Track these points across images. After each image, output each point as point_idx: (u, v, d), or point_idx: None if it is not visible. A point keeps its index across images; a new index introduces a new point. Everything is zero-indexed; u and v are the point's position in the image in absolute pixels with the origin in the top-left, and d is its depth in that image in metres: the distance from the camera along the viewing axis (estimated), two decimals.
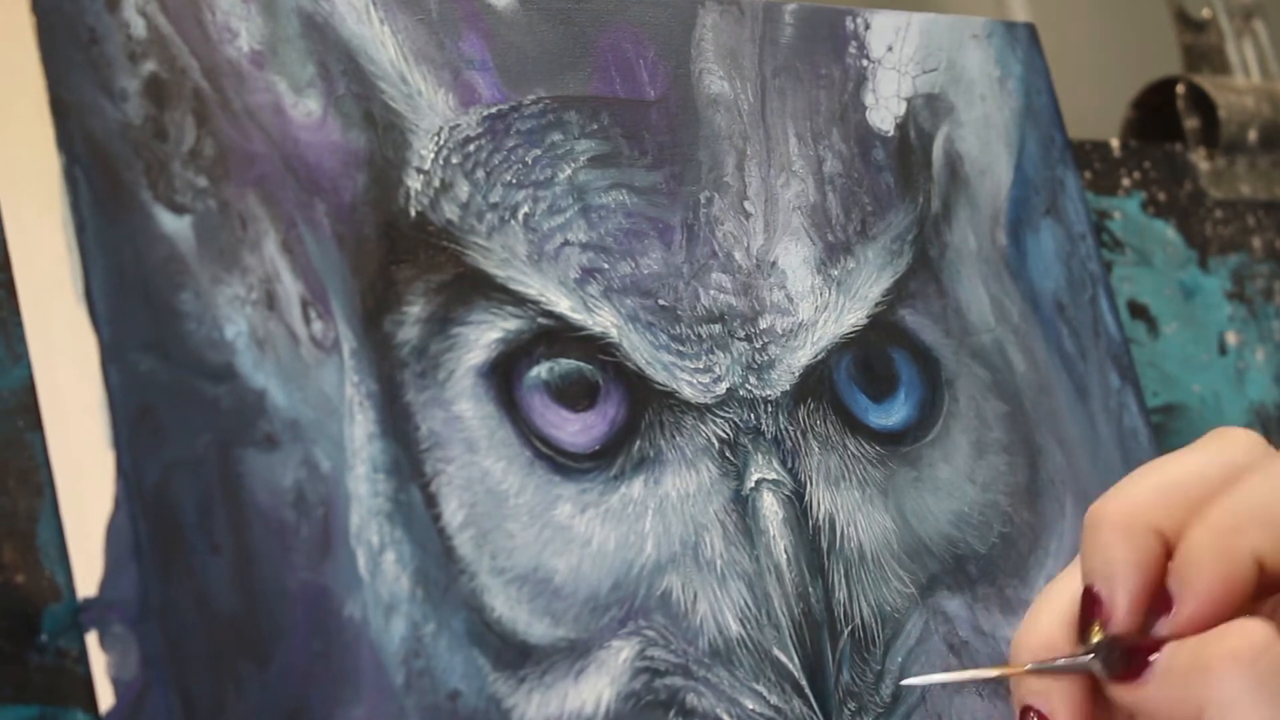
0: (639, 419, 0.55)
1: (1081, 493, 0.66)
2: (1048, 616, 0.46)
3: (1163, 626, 0.43)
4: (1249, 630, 0.42)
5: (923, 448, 0.62)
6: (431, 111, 0.54)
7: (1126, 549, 0.44)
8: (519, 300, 0.54)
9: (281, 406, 0.48)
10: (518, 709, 0.50)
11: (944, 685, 0.58)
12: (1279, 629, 0.42)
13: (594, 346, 0.55)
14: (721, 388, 0.57)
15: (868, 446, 0.61)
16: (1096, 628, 0.44)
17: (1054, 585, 0.47)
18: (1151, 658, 0.43)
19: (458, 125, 0.54)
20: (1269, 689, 0.41)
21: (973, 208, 0.67)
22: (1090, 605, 0.44)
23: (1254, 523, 0.42)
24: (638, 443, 0.55)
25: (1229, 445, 0.45)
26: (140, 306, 0.46)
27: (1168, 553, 0.44)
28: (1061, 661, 0.45)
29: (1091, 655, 0.44)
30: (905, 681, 0.56)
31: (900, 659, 0.58)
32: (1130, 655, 0.43)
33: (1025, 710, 0.46)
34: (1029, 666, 0.45)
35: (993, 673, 0.47)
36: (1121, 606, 0.44)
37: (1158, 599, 0.44)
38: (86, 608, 0.45)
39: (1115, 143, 0.84)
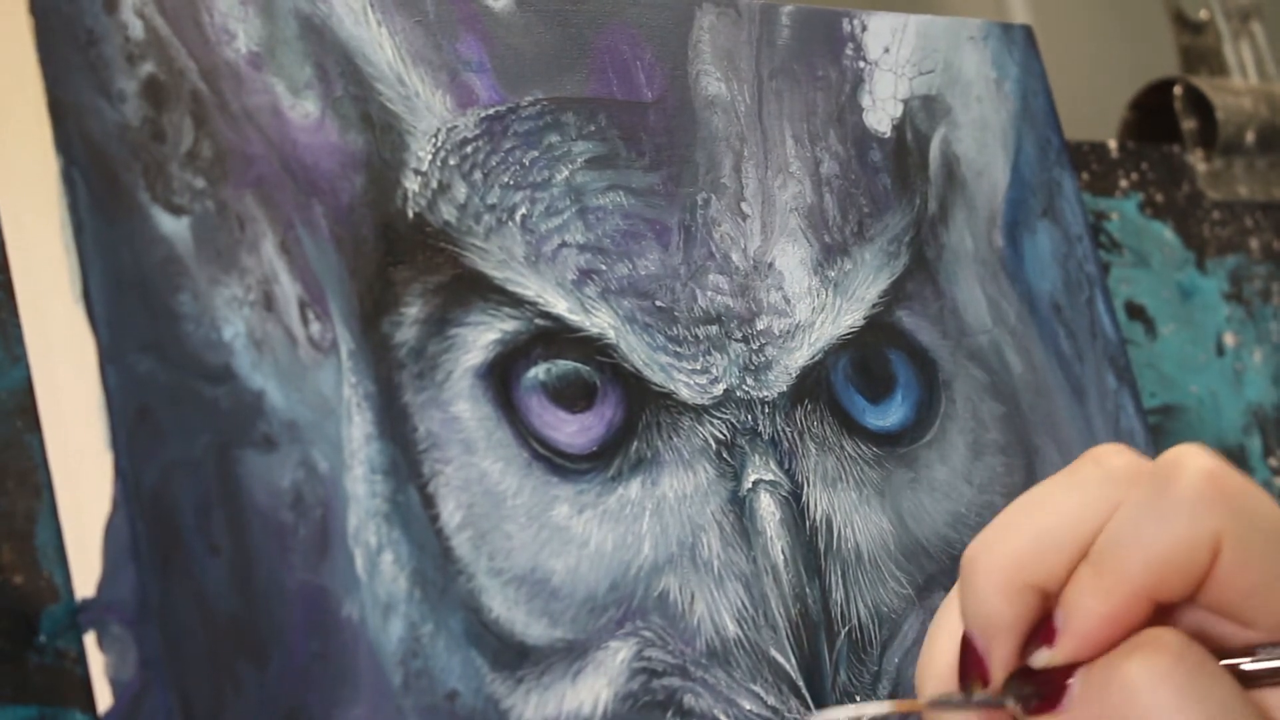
0: (636, 420, 0.55)
1: None
2: (946, 647, 0.46)
3: (1041, 656, 0.43)
4: (1161, 639, 0.41)
5: (920, 449, 0.62)
6: (429, 113, 0.54)
7: (1003, 606, 0.43)
8: (516, 301, 0.54)
9: (279, 408, 0.48)
10: (515, 709, 0.50)
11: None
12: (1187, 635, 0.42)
13: (591, 348, 0.55)
14: (719, 389, 0.57)
15: (865, 447, 0.61)
16: (976, 684, 0.44)
17: (947, 613, 0.47)
18: (1067, 682, 0.43)
19: (455, 127, 0.54)
20: (1191, 693, 0.41)
21: (969, 209, 0.67)
22: (968, 656, 0.44)
23: (1141, 564, 0.42)
24: (635, 444, 0.55)
25: (1101, 476, 0.43)
26: (138, 308, 0.47)
27: (1045, 599, 0.43)
28: (976, 697, 0.44)
29: (1004, 695, 0.44)
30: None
31: (897, 660, 0.58)
32: (1044, 686, 0.43)
33: None
34: (934, 700, 0.45)
35: (888, 706, 0.47)
36: (1000, 661, 0.43)
37: (1043, 632, 0.43)
38: (85, 608, 0.45)
39: (1113, 144, 0.84)
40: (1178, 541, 0.41)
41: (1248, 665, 0.42)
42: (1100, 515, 0.43)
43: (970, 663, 0.44)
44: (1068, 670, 0.43)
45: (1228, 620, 0.43)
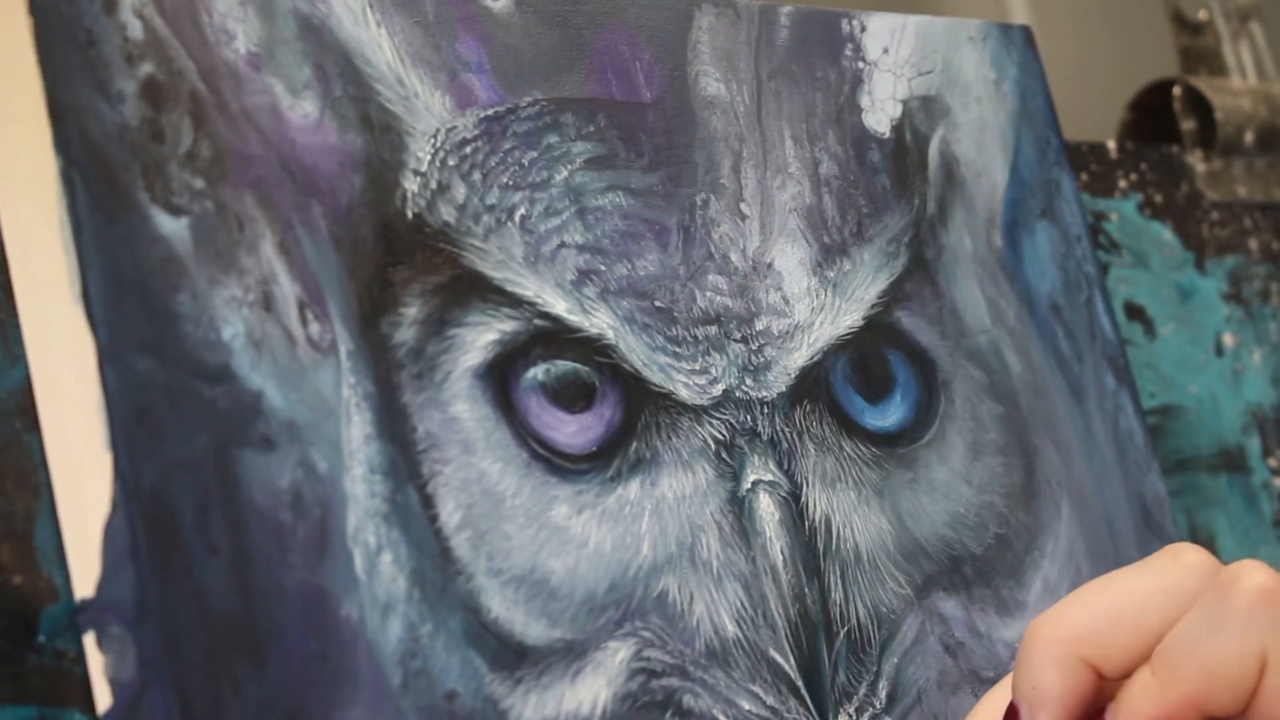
0: (635, 420, 0.55)
1: (1077, 494, 0.66)
2: (989, 716, 0.46)
3: None
4: None
5: (919, 449, 0.62)
6: (428, 113, 0.54)
7: (1055, 677, 0.43)
8: (515, 302, 0.54)
9: (278, 408, 0.48)
10: (514, 709, 0.50)
11: (939, 685, 0.58)
12: None
13: (590, 348, 0.55)
14: (718, 389, 0.57)
15: (864, 448, 0.61)
16: None
17: (996, 690, 0.47)
18: None
19: (454, 127, 0.54)
20: None
21: (968, 210, 0.67)
22: None
23: (1194, 673, 0.42)
24: (634, 444, 0.55)
25: (1175, 569, 0.44)
26: (137, 308, 0.47)
27: (1097, 681, 0.43)
28: None
29: None
30: None
31: (896, 660, 0.58)
32: None
33: None
34: None
35: None
36: None
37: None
38: (84, 609, 0.45)
39: (1112, 144, 0.84)
40: (1225, 655, 0.41)
41: None
42: (1166, 609, 0.43)
43: None
44: None
45: None
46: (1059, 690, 0.43)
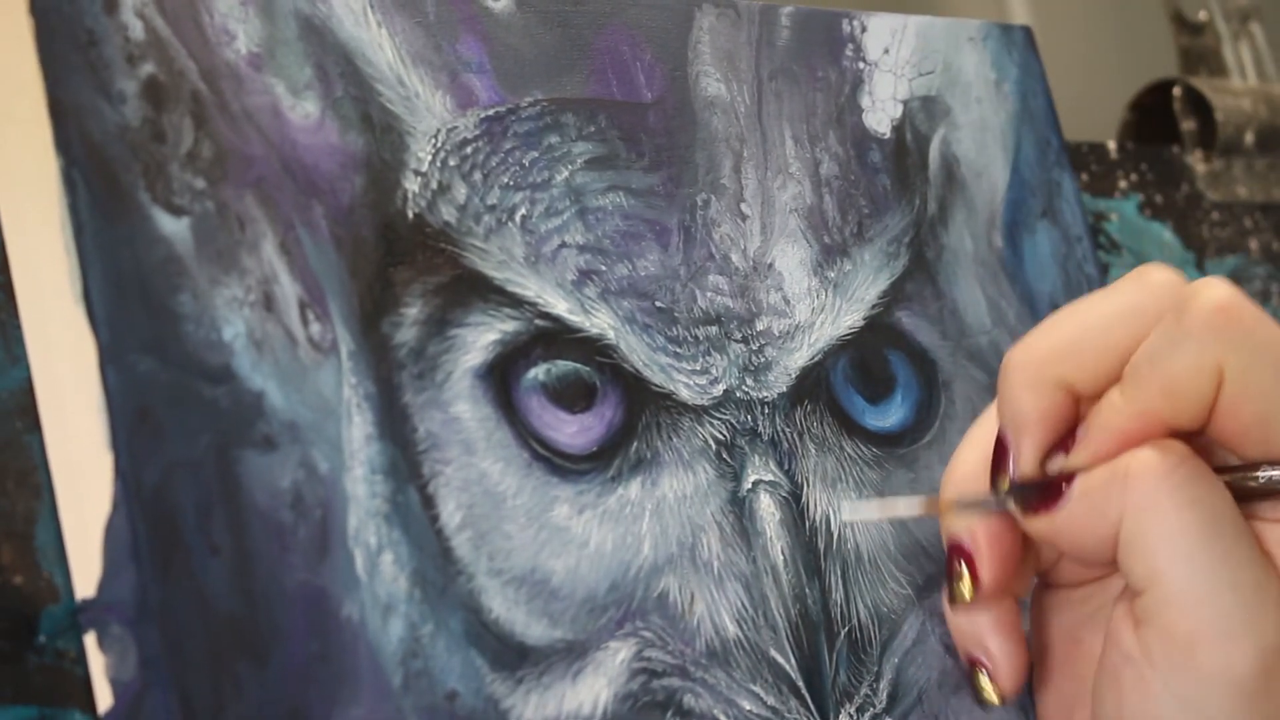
0: (636, 420, 0.55)
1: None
2: (973, 454, 0.47)
3: (1056, 463, 0.44)
4: (1165, 445, 0.43)
5: (919, 449, 0.62)
6: (429, 114, 0.54)
7: (1032, 401, 0.45)
8: (516, 302, 0.54)
9: (279, 408, 0.48)
10: (515, 710, 0.50)
11: (940, 685, 0.58)
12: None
13: (591, 348, 0.55)
14: (718, 389, 0.57)
15: (864, 448, 0.61)
16: (1004, 479, 0.45)
17: (979, 424, 0.48)
18: (1069, 482, 0.44)
19: (455, 127, 0.54)
20: (1184, 495, 0.42)
21: (969, 210, 0.67)
22: (1000, 453, 0.45)
23: (1155, 388, 0.43)
24: (635, 444, 0.55)
25: (1141, 289, 0.45)
26: (138, 308, 0.47)
27: (1075, 402, 0.45)
28: (981, 500, 0.46)
29: (1007, 495, 0.45)
30: (844, 517, 0.57)
31: (897, 660, 0.58)
32: (1044, 489, 0.44)
33: (952, 545, 0.47)
34: (952, 501, 0.47)
35: (917, 506, 0.49)
36: (1026, 456, 0.45)
37: (1064, 443, 0.45)
38: (85, 609, 0.45)
39: (1112, 145, 0.84)
40: (1182, 370, 0.42)
41: (1243, 480, 0.43)
42: (1133, 327, 0.44)
43: (998, 459, 0.45)
44: (1069, 477, 0.43)
45: (1232, 454, 0.43)
46: (1037, 411, 0.45)
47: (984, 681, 0.47)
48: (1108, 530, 0.43)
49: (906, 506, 0.53)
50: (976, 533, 0.46)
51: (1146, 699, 0.42)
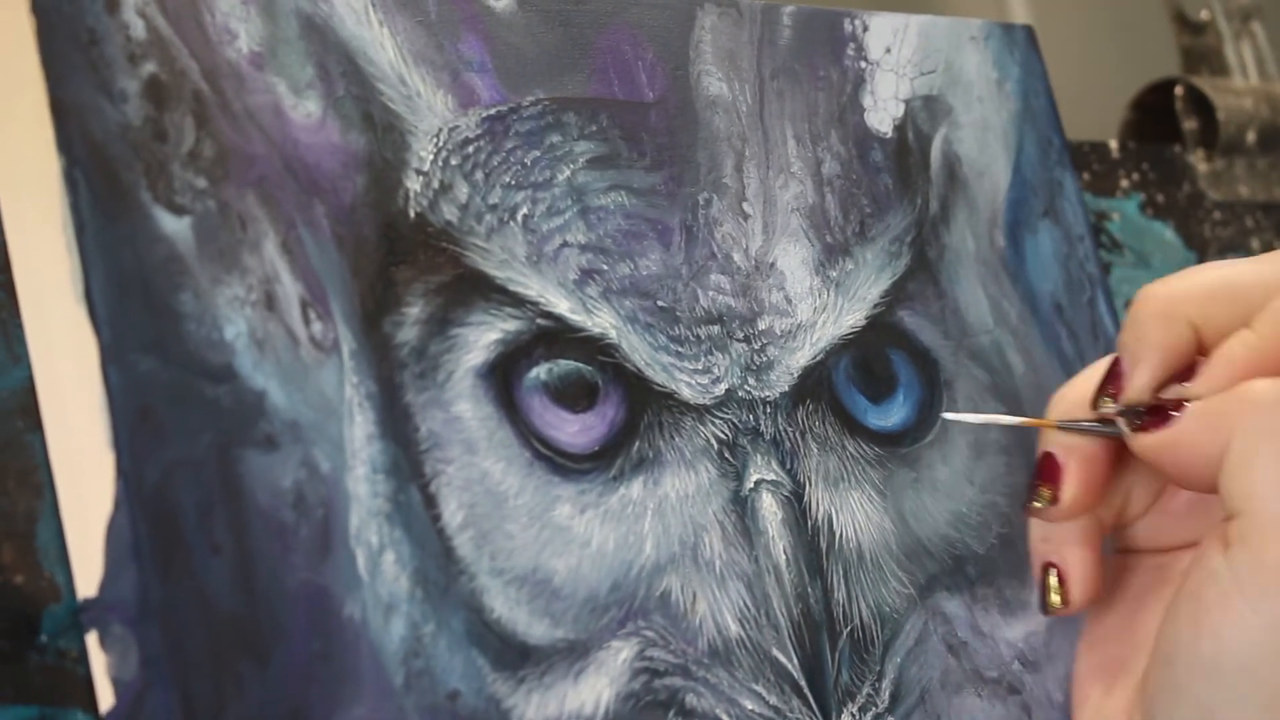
0: (638, 420, 0.55)
1: None
2: (1085, 382, 0.48)
3: (1173, 390, 0.45)
4: None
5: (921, 449, 0.62)
6: (431, 113, 0.54)
7: (1157, 332, 0.46)
8: (518, 301, 0.54)
9: (281, 407, 0.48)
10: (517, 709, 0.50)
11: (942, 685, 0.58)
12: None
13: (593, 347, 0.55)
14: (720, 389, 0.57)
15: (866, 447, 0.61)
16: (1107, 400, 0.46)
17: (1094, 365, 0.49)
18: (1184, 402, 0.44)
19: (457, 127, 0.54)
20: None
21: (971, 209, 0.67)
22: (1111, 375, 0.46)
23: None
24: (637, 444, 0.55)
25: None
26: (140, 307, 0.47)
27: (1195, 345, 0.45)
28: (1085, 422, 0.47)
29: (1117, 416, 0.46)
30: (946, 415, 0.59)
31: (899, 659, 0.58)
32: (1155, 410, 0.45)
33: (1043, 457, 0.48)
34: (1056, 421, 0.47)
35: (1020, 421, 0.50)
36: (1142, 379, 0.46)
37: (1184, 373, 0.45)
38: (86, 608, 0.45)
39: (1114, 144, 0.84)
40: None
41: None
42: (1272, 287, 0.45)
43: (1108, 382, 0.46)
44: (1182, 403, 0.44)
45: None
46: (1160, 343, 0.45)
47: (1053, 582, 0.48)
48: (1215, 450, 0.43)
49: (1007, 420, 0.54)
50: (1071, 450, 0.47)
51: (1227, 618, 0.43)
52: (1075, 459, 0.47)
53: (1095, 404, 0.47)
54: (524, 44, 0.57)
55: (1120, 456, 0.47)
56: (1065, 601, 0.47)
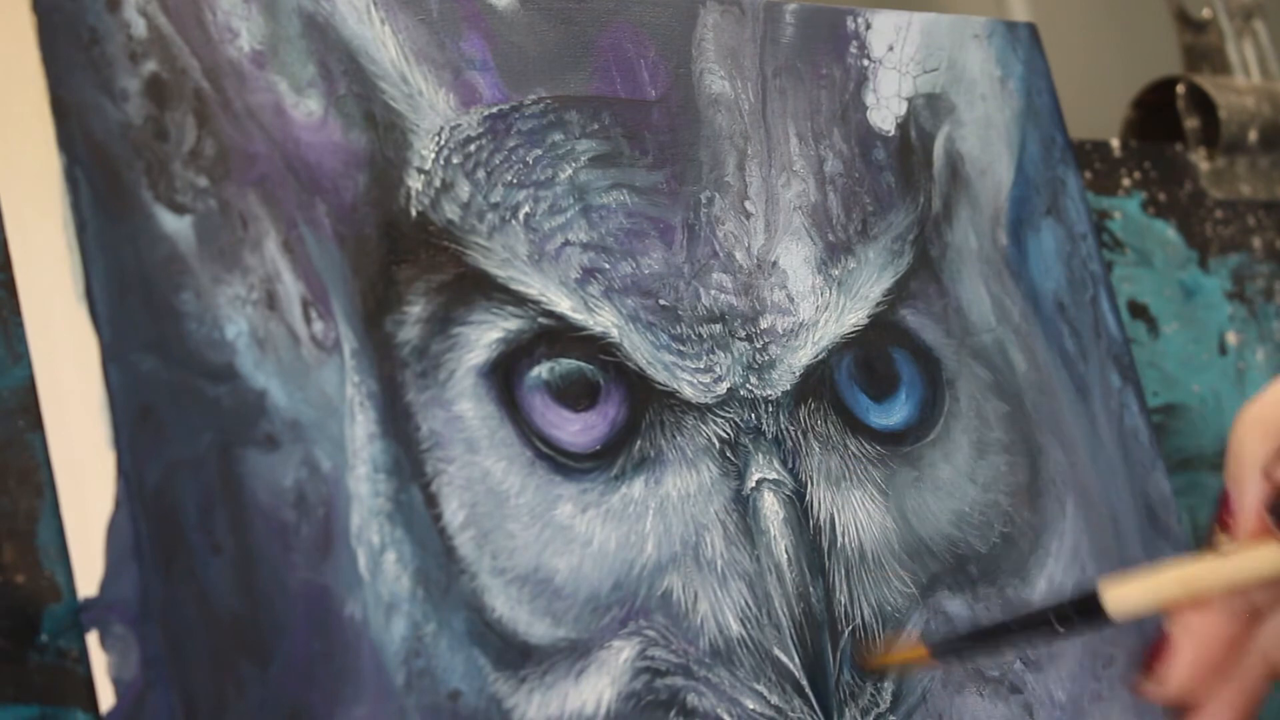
0: (640, 419, 0.55)
1: (1082, 492, 0.66)
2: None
3: None
4: None
5: (923, 447, 0.62)
6: (432, 111, 0.54)
7: (1257, 445, 0.44)
8: (520, 300, 0.54)
9: (282, 406, 0.48)
10: (518, 709, 0.50)
11: (943, 685, 0.58)
12: None
13: (595, 346, 0.55)
14: (722, 387, 0.57)
15: (868, 446, 0.61)
16: (1223, 537, 0.45)
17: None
18: None
19: (459, 125, 0.54)
20: None
21: (974, 208, 0.67)
22: (1221, 511, 0.45)
23: None
24: (638, 443, 0.55)
25: None
26: (141, 306, 0.46)
27: None
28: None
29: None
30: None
31: None
32: None
33: (1158, 639, 0.48)
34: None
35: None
36: (1246, 514, 0.45)
37: None
38: (87, 608, 0.45)
39: (1115, 143, 0.84)
40: None
41: None
42: None
43: (1222, 520, 0.46)
44: None
45: None
46: (1262, 456, 0.45)
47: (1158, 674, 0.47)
48: None
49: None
50: (1189, 630, 0.47)
51: None
52: (1191, 640, 0.46)
53: (1212, 541, 0.46)
54: (526, 42, 0.57)
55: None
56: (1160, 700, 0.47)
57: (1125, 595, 0.48)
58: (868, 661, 0.54)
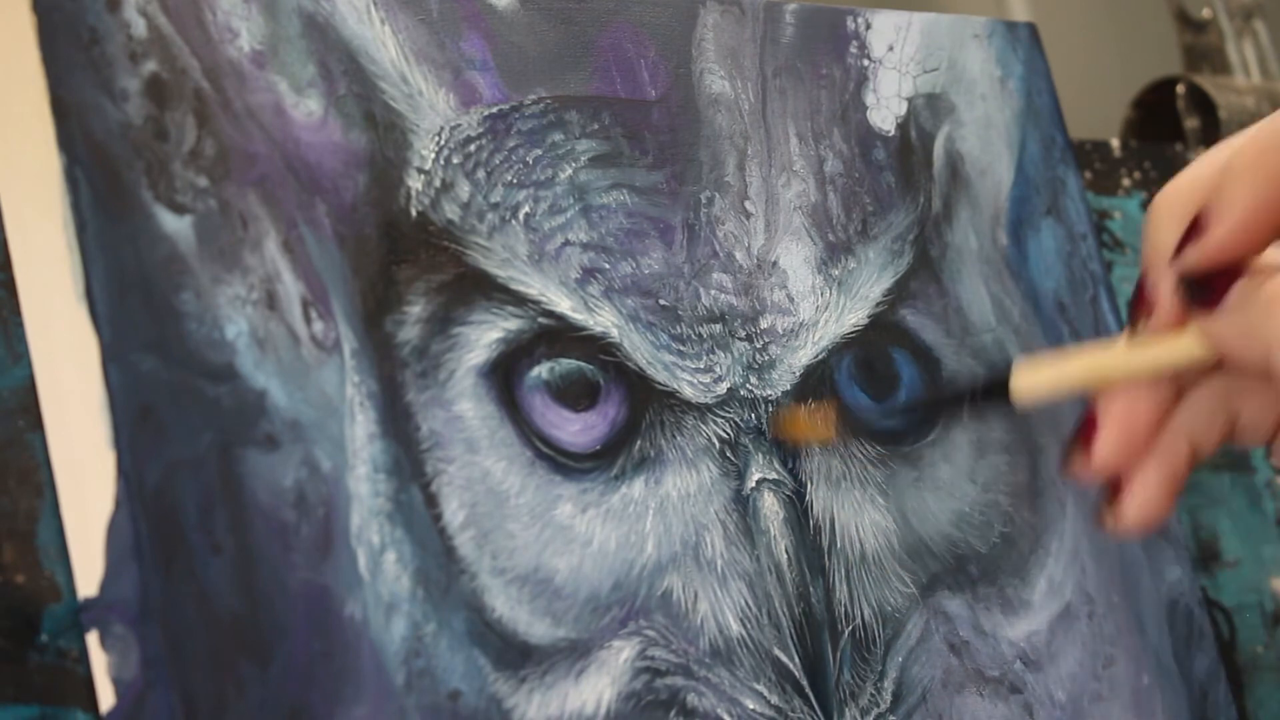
0: (640, 419, 0.55)
1: (1082, 492, 0.66)
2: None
3: (1192, 253, 0.44)
4: None
5: (923, 448, 0.62)
6: (432, 111, 0.54)
7: (1166, 234, 0.45)
8: (520, 300, 0.54)
9: (282, 406, 0.48)
10: (518, 709, 0.50)
11: (944, 685, 0.58)
12: None
13: (595, 346, 0.55)
14: (722, 387, 0.57)
15: (868, 446, 0.61)
16: (1140, 324, 0.46)
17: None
18: (1230, 288, 0.44)
19: (459, 125, 0.54)
20: None
21: (974, 207, 0.67)
22: (1136, 298, 0.46)
23: None
24: (638, 443, 0.55)
25: None
26: (141, 306, 0.46)
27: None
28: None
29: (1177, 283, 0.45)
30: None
31: (901, 659, 0.58)
32: (1205, 285, 0.44)
33: (1085, 417, 0.47)
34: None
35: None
36: (1164, 299, 0.45)
37: (1194, 231, 0.44)
38: (87, 608, 0.45)
39: (1115, 143, 0.84)
40: None
41: None
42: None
43: (1138, 307, 0.46)
44: (1230, 278, 0.43)
45: None
46: (1174, 240, 0.44)
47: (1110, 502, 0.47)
48: (1260, 354, 0.43)
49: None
50: (1111, 407, 0.47)
51: None
52: (1115, 420, 0.47)
53: (1133, 328, 0.46)
54: (526, 42, 0.57)
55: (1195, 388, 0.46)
56: (1117, 521, 0.47)
57: (1032, 380, 0.48)
58: (777, 429, 0.54)
